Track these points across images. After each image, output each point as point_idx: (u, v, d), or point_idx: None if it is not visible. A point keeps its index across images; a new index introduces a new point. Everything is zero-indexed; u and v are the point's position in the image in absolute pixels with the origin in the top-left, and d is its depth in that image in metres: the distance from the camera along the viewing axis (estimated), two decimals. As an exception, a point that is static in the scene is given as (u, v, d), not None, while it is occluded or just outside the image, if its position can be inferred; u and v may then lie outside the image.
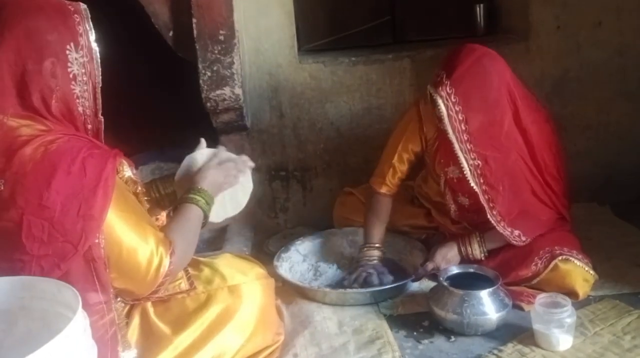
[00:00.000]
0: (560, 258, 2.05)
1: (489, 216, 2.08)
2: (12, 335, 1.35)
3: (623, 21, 2.73)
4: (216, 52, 2.36)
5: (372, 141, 2.77)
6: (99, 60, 1.52)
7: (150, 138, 2.97)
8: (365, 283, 2.18)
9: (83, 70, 1.48)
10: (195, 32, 2.34)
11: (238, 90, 2.39)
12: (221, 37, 2.35)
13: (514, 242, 2.10)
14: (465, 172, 2.05)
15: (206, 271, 1.79)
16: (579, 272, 2.06)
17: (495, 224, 2.08)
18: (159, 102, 3.06)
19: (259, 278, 1.86)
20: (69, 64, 1.46)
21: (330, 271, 2.40)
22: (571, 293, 2.01)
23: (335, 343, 1.93)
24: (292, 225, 2.84)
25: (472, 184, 2.06)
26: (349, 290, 2.18)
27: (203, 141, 1.90)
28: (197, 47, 2.36)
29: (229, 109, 2.45)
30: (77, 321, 1.17)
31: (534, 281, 2.09)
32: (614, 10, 2.72)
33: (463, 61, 1.99)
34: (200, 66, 2.37)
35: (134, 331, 1.59)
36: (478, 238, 2.19)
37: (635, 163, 2.82)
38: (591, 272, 2.07)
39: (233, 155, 1.87)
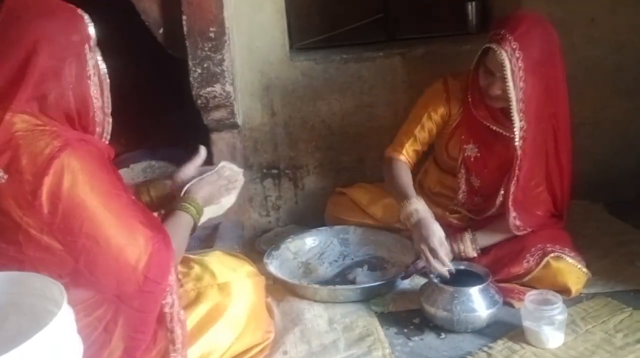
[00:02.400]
0: (552, 255, 2.05)
1: (500, 195, 2.08)
2: (4, 331, 1.34)
3: (618, 17, 2.72)
4: (206, 49, 2.35)
5: (364, 139, 2.77)
6: (104, 64, 1.57)
7: (142, 136, 2.96)
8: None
9: (94, 71, 1.52)
10: (185, 29, 2.33)
11: (229, 88, 2.38)
12: (211, 34, 2.34)
13: (510, 225, 2.10)
14: (515, 132, 2.02)
15: (196, 268, 1.79)
16: (571, 269, 2.05)
17: (508, 198, 2.07)
18: (151, 100, 3.04)
19: (249, 276, 1.86)
20: (86, 64, 1.50)
21: (321, 269, 2.39)
22: (563, 291, 2.00)
23: (325, 341, 1.92)
24: (284, 223, 2.83)
25: (517, 145, 2.02)
26: (338, 287, 2.17)
27: (203, 149, 1.94)
28: (188, 44, 2.34)
29: (220, 106, 2.44)
30: (61, 316, 1.16)
31: (526, 278, 2.08)
32: (608, 6, 2.71)
33: (524, 20, 1.99)
34: (190, 63, 2.36)
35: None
36: (470, 236, 2.18)
37: (631, 161, 2.82)
38: (584, 269, 2.07)
39: (235, 170, 1.93)
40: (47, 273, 1.38)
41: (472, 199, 2.30)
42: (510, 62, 1.95)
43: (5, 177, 1.37)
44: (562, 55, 2.07)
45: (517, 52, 1.94)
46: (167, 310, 1.53)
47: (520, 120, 2.01)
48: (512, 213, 2.09)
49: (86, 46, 1.50)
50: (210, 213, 1.88)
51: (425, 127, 2.28)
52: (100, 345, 1.49)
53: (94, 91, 1.52)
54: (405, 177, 2.25)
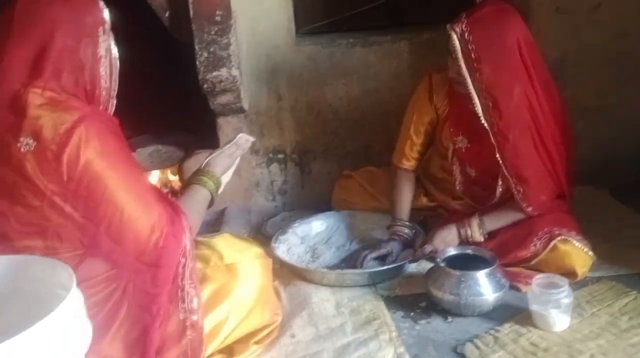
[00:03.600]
0: (559, 238, 2.05)
1: (500, 185, 2.08)
2: (8, 316, 1.35)
3: (623, 3, 2.70)
4: (212, 33, 2.34)
5: (370, 124, 2.77)
6: (116, 48, 1.62)
7: (148, 121, 2.96)
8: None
9: (105, 53, 1.57)
10: (191, 12, 2.32)
11: (235, 72, 2.38)
12: (217, 18, 2.33)
13: (518, 201, 2.10)
14: (477, 110, 2.04)
15: (204, 249, 1.80)
16: (577, 252, 2.05)
17: (505, 173, 2.08)
18: (157, 85, 3.04)
19: (256, 258, 1.87)
20: (99, 46, 1.56)
21: (328, 253, 2.40)
22: (570, 274, 2.01)
23: (332, 324, 1.93)
24: (290, 208, 2.83)
25: (484, 122, 2.04)
26: (346, 270, 2.18)
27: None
28: (194, 28, 2.34)
29: (226, 91, 2.44)
30: (70, 300, 1.17)
31: (533, 262, 2.09)
32: (614, -8, 2.69)
33: (484, 7, 2.03)
34: (196, 47, 2.35)
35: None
36: (477, 221, 2.18)
37: (634, 146, 2.80)
38: (590, 253, 2.07)
39: (248, 138, 1.93)
40: (69, 240, 1.46)
41: (470, 189, 2.30)
42: (461, 43, 1.99)
43: (34, 144, 1.42)
44: (531, 43, 2.07)
45: (466, 34, 1.98)
46: (179, 269, 1.57)
47: (485, 98, 2.02)
48: (516, 186, 2.09)
49: (100, 29, 1.56)
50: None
51: (419, 129, 2.32)
52: (109, 319, 1.52)
53: (103, 72, 1.57)
54: (399, 196, 2.33)
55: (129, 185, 1.51)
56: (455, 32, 2.00)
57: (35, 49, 1.48)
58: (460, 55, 2.00)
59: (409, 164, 2.35)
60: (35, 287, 1.33)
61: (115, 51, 1.61)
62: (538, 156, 2.09)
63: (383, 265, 2.19)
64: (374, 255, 2.21)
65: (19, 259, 1.36)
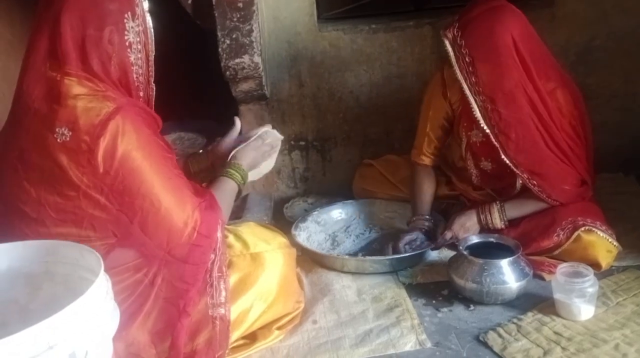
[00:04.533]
0: (583, 228, 2.03)
1: (503, 157, 2.05)
2: (37, 298, 1.38)
3: (652, -14, 2.64)
4: (235, 19, 2.34)
5: (392, 111, 2.75)
6: (152, 30, 1.59)
7: (171, 108, 2.97)
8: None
9: (138, 39, 1.55)
10: (214, -1, 2.32)
11: (257, 59, 2.37)
12: (240, 5, 2.33)
13: (535, 191, 2.08)
14: (474, 113, 2.03)
15: (230, 238, 1.81)
16: (602, 243, 2.03)
17: (513, 168, 2.06)
18: (180, 72, 3.05)
19: (281, 248, 1.88)
20: (126, 32, 1.52)
21: (348, 241, 2.41)
22: (594, 265, 1.99)
23: (354, 311, 1.94)
24: (311, 195, 2.83)
25: (483, 125, 2.04)
26: (368, 257, 2.18)
27: (237, 121, 1.99)
28: (216, 14, 2.33)
29: (248, 78, 2.43)
30: (99, 284, 1.18)
31: (556, 252, 2.07)
32: (643, -25, 2.63)
33: (475, 9, 2.01)
34: (219, 34, 2.35)
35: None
36: (498, 207, 2.17)
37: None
38: (615, 243, 2.04)
39: (277, 136, 1.95)
40: (102, 230, 1.48)
41: (487, 181, 2.28)
42: (454, 48, 1.98)
43: (69, 135, 1.43)
44: (533, 38, 2.04)
45: (459, 39, 1.97)
46: (209, 265, 1.59)
47: (482, 101, 2.01)
48: (530, 180, 2.07)
49: (127, 14, 1.52)
50: (249, 176, 1.91)
51: (435, 125, 2.30)
52: (136, 307, 1.53)
53: (133, 58, 1.54)
54: (419, 192, 2.33)
55: (164, 179, 1.52)
56: (448, 38, 2.00)
57: (61, 38, 1.47)
58: (454, 60, 1.99)
59: (427, 160, 2.34)
60: (64, 271, 1.35)
61: (151, 33, 1.58)
62: (549, 150, 2.07)
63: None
64: (403, 242, 2.18)
65: (49, 244, 1.38)
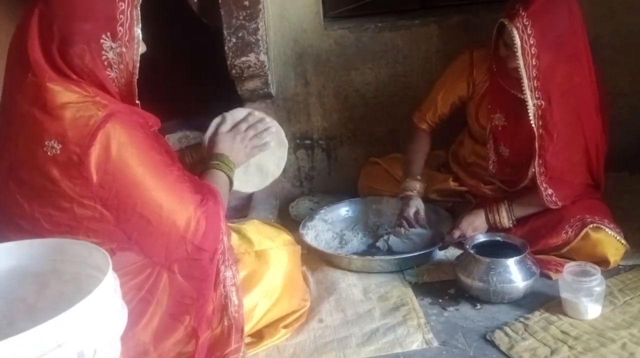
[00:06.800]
0: (591, 226, 2.02)
1: (533, 165, 2.05)
2: (45, 297, 1.37)
3: (658, -15, 2.63)
4: (241, 18, 2.33)
5: (398, 110, 2.74)
6: (139, 55, 1.49)
7: (176, 107, 2.97)
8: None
9: (120, 59, 1.46)
10: (220, -3, 2.32)
11: (263, 57, 2.37)
12: (246, 3, 2.32)
13: (546, 201, 2.08)
14: (529, 111, 2.01)
15: (234, 236, 1.81)
16: (610, 240, 2.03)
17: (537, 176, 2.05)
18: (185, 70, 3.05)
19: (285, 245, 1.88)
20: (104, 52, 1.44)
21: (355, 240, 2.41)
22: (602, 262, 1.99)
23: (360, 310, 1.94)
24: (317, 194, 2.83)
25: (532, 124, 2.02)
26: (376, 257, 2.19)
27: (227, 114, 1.94)
28: (222, 12, 2.33)
29: (254, 76, 2.43)
30: (107, 282, 1.18)
31: (564, 249, 2.07)
32: (650, -27, 2.62)
33: None
34: (225, 32, 2.35)
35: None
36: (506, 206, 2.17)
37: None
38: (622, 241, 2.04)
39: (262, 117, 1.90)
40: (100, 236, 1.44)
41: (502, 169, 2.27)
42: (522, 39, 1.93)
43: (59, 148, 1.39)
44: (584, 29, 2.03)
45: (529, 28, 1.93)
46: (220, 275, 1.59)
47: (537, 98, 1.99)
48: (546, 191, 2.07)
49: (106, 35, 1.43)
50: (258, 184, 1.92)
51: (447, 99, 2.33)
52: (141, 309, 1.52)
53: (114, 76, 1.47)
54: (415, 154, 2.39)
55: (162, 182, 1.48)
56: (517, 28, 1.93)
57: (32, 49, 1.41)
58: (520, 52, 1.94)
59: (426, 126, 2.40)
60: (72, 269, 1.35)
61: (132, 56, 1.47)
62: (580, 148, 2.07)
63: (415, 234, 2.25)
64: (408, 213, 2.24)
65: (57, 242, 1.38)
